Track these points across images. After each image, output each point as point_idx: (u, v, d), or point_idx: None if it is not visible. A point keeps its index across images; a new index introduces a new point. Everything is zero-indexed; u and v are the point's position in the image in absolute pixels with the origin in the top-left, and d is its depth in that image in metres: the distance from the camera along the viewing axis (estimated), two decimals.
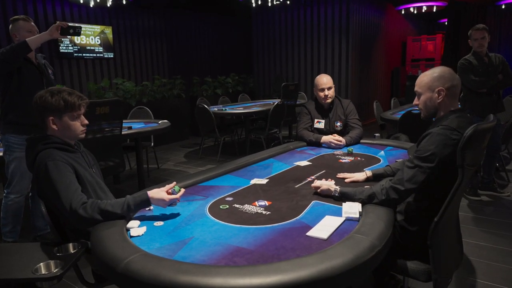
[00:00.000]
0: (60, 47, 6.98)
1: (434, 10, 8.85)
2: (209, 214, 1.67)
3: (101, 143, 3.31)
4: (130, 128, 4.13)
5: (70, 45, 7.14)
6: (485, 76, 3.67)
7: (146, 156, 5.40)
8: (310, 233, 1.44)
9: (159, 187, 1.92)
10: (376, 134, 3.25)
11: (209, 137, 6.16)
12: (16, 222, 2.94)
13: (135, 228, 1.52)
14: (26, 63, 2.79)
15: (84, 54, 7.36)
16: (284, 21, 9.47)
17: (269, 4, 7.36)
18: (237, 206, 1.76)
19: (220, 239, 1.42)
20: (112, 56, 7.85)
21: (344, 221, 1.55)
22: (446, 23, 10.50)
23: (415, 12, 9.01)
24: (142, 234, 1.47)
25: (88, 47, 7.43)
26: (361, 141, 3.08)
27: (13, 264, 1.45)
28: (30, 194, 3.02)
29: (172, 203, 1.66)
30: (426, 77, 1.78)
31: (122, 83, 6.74)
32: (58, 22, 2.69)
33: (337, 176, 2.16)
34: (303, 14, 9.10)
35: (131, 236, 1.45)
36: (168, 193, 1.67)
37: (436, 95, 1.74)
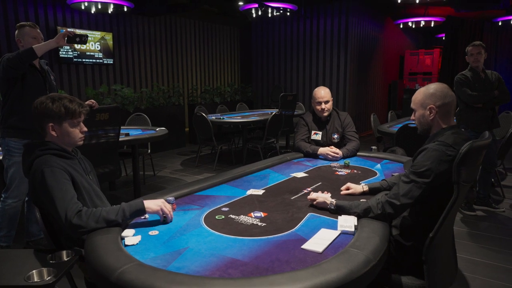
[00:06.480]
0: (60, 52, 6.99)
1: (432, 25, 8.96)
2: (205, 225, 1.67)
3: (98, 149, 3.31)
4: (127, 134, 4.14)
5: (70, 50, 7.16)
6: (481, 91, 3.71)
7: (142, 163, 5.39)
8: (305, 246, 1.44)
9: (154, 195, 1.93)
10: (373, 147, 3.26)
11: (207, 145, 6.16)
12: (11, 227, 2.92)
13: (130, 237, 1.51)
14: (31, 69, 2.81)
15: (83, 60, 7.38)
16: (284, 32, 9.56)
17: (269, 15, 7.43)
18: (232, 216, 1.76)
19: (215, 250, 1.42)
20: (111, 62, 7.88)
21: (340, 234, 1.55)
22: (443, 38, 10.61)
23: (413, 26, 9.11)
24: (137, 243, 1.46)
25: (88, 53, 7.45)
26: (358, 153, 3.09)
27: (5, 271, 1.44)
28: (26, 199, 3.00)
29: (165, 216, 1.67)
30: (419, 94, 1.81)
31: (121, 89, 6.76)
32: (65, 30, 2.72)
33: (341, 193, 2.13)
34: (303, 25, 9.19)
35: (126, 245, 1.45)
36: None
37: (428, 112, 1.76)
